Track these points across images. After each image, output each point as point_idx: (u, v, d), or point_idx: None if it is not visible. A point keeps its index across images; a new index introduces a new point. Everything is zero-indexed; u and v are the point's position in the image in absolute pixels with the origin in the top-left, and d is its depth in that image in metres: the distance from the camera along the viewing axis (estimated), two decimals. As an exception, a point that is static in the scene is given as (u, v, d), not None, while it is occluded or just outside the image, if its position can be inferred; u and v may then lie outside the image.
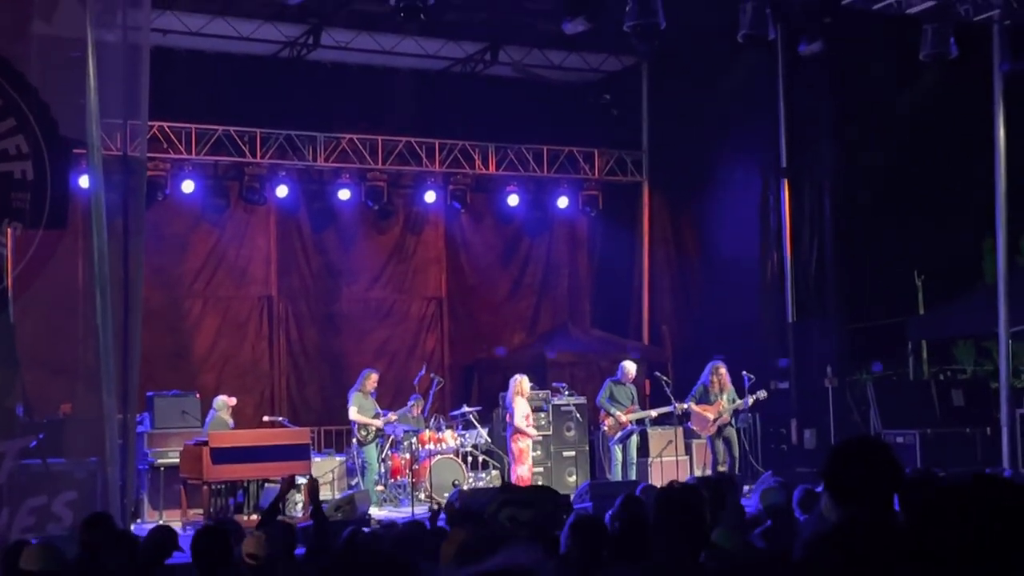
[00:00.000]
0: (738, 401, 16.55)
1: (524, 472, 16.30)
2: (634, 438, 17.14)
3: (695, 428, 17.07)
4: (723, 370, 16.66)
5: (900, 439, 16.94)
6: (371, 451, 16.66)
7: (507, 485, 3.81)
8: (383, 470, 16.86)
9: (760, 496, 9.11)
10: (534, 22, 18.90)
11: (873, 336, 19.32)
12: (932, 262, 19.39)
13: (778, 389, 18.25)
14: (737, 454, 16.73)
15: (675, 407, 17.07)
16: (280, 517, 9.72)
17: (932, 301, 19.64)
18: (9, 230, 10.90)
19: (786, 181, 19.42)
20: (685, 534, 4.41)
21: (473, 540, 4.32)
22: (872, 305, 19.16)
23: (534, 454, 17.07)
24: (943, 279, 19.38)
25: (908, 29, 16.03)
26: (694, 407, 16.70)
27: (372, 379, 16.88)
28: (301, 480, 14.03)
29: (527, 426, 16.55)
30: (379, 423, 16.63)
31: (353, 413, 16.73)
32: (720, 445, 16.61)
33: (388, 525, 9.55)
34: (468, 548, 4.25)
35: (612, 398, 17.13)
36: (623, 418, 17.02)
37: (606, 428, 17.28)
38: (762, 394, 16.81)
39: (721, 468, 16.51)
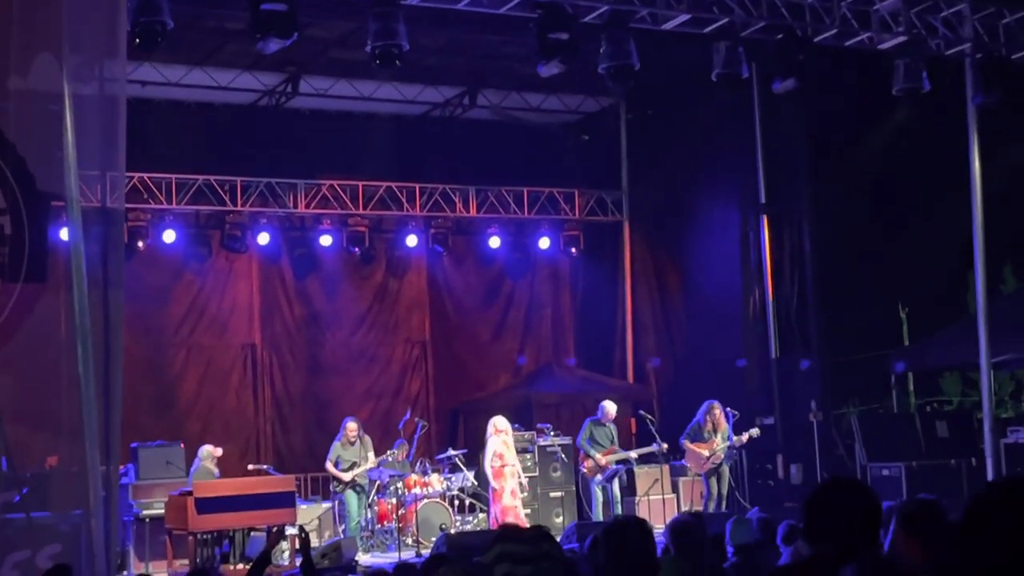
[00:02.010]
0: (736, 438, 16.65)
1: (499, 512, 16.21)
2: (618, 477, 17.15)
3: (689, 466, 17.13)
4: (718, 410, 16.77)
5: (885, 472, 16.98)
6: (351, 498, 16.60)
7: (506, 532, 3.75)
8: (369, 515, 16.80)
9: (729, 532, 9.10)
10: (511, 65, 19.01)
11: (857, 369, 19.35)
12: (916, 294, 19.46)
13: (763, 425, 18.28)
14: (726, 491, 16.78)
15: (658, 447, 17.12)
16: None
17: (917, 333, 19.69)
18: (-12, 284, 10.89)
19: (765, 217, 19.51)
20: (632, 564, 4.38)
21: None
22: (856, 338, 19.20)
23: (523, 495, 16.99)
24: (927, 311, 19.44)
25: (880, 64, 16.16)
26: (689, 445, 16.78)
27: (351, 428, 16.80)
28: (291, 530, 14.00)
29: (493, 464, 16.38)
30: (346, 477, 16.54)
31: (327, 464, 16.76)
32: (714, 483, 16.69)
33: (376, 573, 9.53)
34: None
35: (592, 439, 17.15)
36: (602, 460, 17.03)
37: (585, 470, 17.29)
38: (755, 432, 16.93)
39: (711, 505, 16.59)
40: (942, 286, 19.33)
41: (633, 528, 4.82)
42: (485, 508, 17.56)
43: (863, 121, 18.40)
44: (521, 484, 16.68)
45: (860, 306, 19.11)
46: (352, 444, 16.69)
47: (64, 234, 12.84)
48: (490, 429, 16.56)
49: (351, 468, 16.55)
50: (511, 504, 16.20)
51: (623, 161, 22.03)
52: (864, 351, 19.11)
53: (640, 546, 4.70)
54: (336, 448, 16.71)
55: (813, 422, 18.29)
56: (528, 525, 9.10)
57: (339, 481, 16.65)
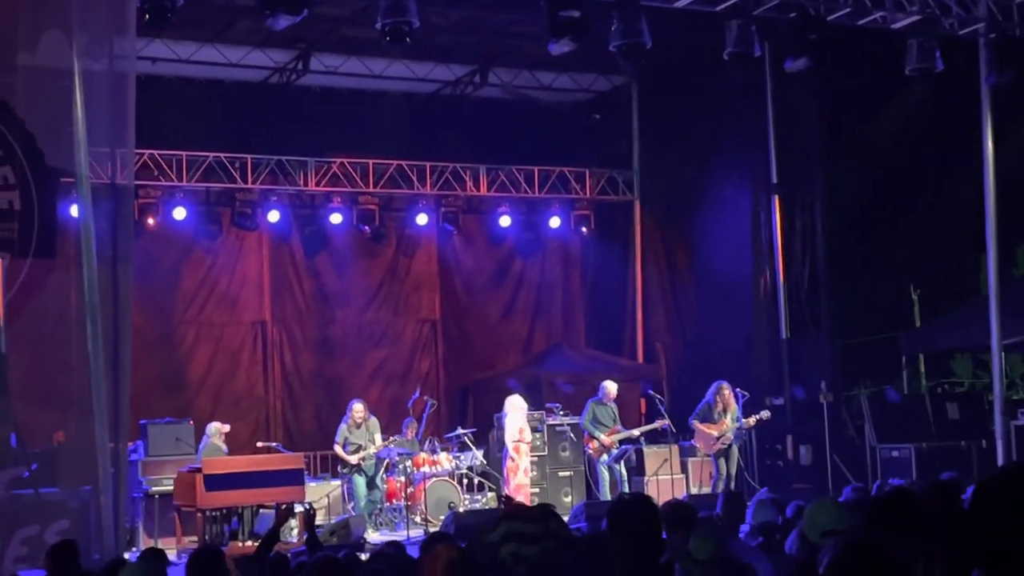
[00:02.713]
0: (745, 420, 16.62)
1: (512, 490, 16.25)
2: (626, 457, 17.18)
3: (698, 446, 17.12)
4: (728, 391, 16.72)
5: (895, 453, 16.95)
6: (358, 480, 16.55)
7: (512, 511, 3.70)
8: (377, 495, 16.78)
9: (752, 512, 9.09)
10: (522, 43, 18.95)
11: (868, 350, 19.30)
12: (928, 275, 19.38)
13: (773, 405, 18.25)
14: (735, 472, 16.77)
15: (659, 423, 17.18)
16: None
17: (928, 314, 19.63)
18: (-2, 260, 10.92)
19: (777, 197, 19.45)
20: (637, 542, 4.35)
21: (462, 560, 4.29)
22: (867, 319, 19.15)
23: (532, 474, 17.02)
24: (939, 292, 19.36)
25: (893, 44, 16.07)
26: (698, 425, 16.77)
27: (357, 410, 16.70)
28: (299, 508, 14.02)
29: (515, 436, 16.45)
30: (353, 460, 16.50)
31: (335, 447, 16.72)
32: (723, 463, 16.68)
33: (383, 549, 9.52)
34: (455, 568, 4.23)
35: (595, 419, 17.17)
36: (606, 440, 17.04)
37: (591, 450, 17.29)
38: (765, 414, 16.90)
39: (720, 485, 16.58)
40: (954, 267, 19.26)
41: (637, 505, 4.80)
42: (494, 487, 17.58)
43: (876, 101, 18.30)
44: (533, 463, 16.73)
45: (871, 287, 19.06)
46: (359, 427, 16.63)
47: (74, 211, 12.89)
48: (507, 406, 16.60)
49: (358, 450, 16.50)
50: (524, 482, 16.27)
51: (634, 140, 21.95)
52: (875, 332, 19.06)
53: (645, 523, 4.68)
54: (343, 430, 16.68)
55: (823, 403, 18.25)
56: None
57: (345, 463, 16.63)
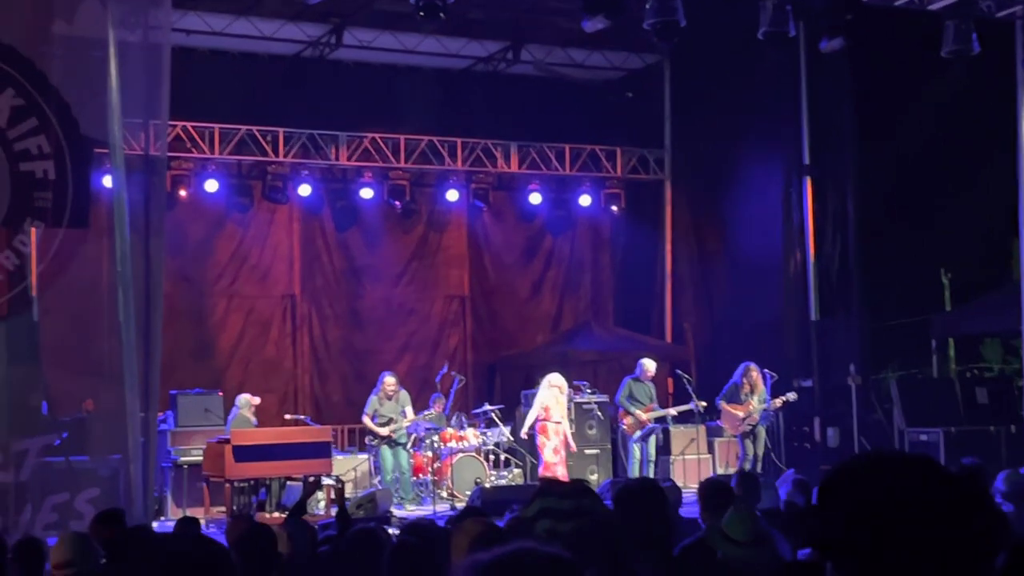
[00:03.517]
0: (774, 401, 16.59)
1: (540, 468, 16.23)
2: (654, 436, 17.15)
3: (725, 426, 17.09)
4: (755, 372, 16.67)
5: (924, 437, 16.89)
6: (385, 453, 16.54)
7: (548, 487, 3.70)
8: (404, 469, 16.78)
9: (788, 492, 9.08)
10: (556, 20, 18.90)
11: (897, 334, 19.23)
12: (960, 259, 19.28)
13: (801, 387, 18.21)
14: (761, 453, 16.74)
15: (695, 405, 17.11)
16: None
17: (959, 298, 19.53)
18: (32, 229, 10.98)
19: (809, 179, 19.36)
20: (645, 527, 4.34)
21: (489, 534, 4.31)
22: (897, 302, 19.07)
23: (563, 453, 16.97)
24: (971, 276, 19.26)
25: (930, 25, 15.96)
26: (725, 406, 16.74)
27: (388, 382, 16.66)
28: (327, 480, 14.09)
29: (538, 415, 16.37)
30: (383, 432, 16.51)
31: (364, 418, 16.71)
32: (749, 444, 16.66)
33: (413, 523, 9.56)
34: (484, 542, 4.24)
35: (631, 396, 17.12)
36: (642, 416, 17.00)
37: (625, 426, 17.23)
38: (791, 396, 16.86)
39: (746, 466, 16.56)
40: (986, 252, 19.16)
41: (643, 492, 4.79)
42: (520, 464, 17.62)
43: (911, 83, 18.17)
44: (567, 442, 16.63)
45: (902, 270, 18.97)
46: (389, 399, 16.62)
47: (107, 181, 12.95)
48: (544, 382, 16.54)
49: (388, 423, 16.50)
50: (552, 461, 16.19)
51: (666, 119, 21.87)
52: (905, 315, 18.98)
53: (652, 509, 4.67)
54: (373, 402, 16.68)
55: (852, 385, 18.19)
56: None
57: (375, 435, 16.64)
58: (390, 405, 16.59)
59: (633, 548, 4.30)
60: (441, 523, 7.54)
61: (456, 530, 4.42)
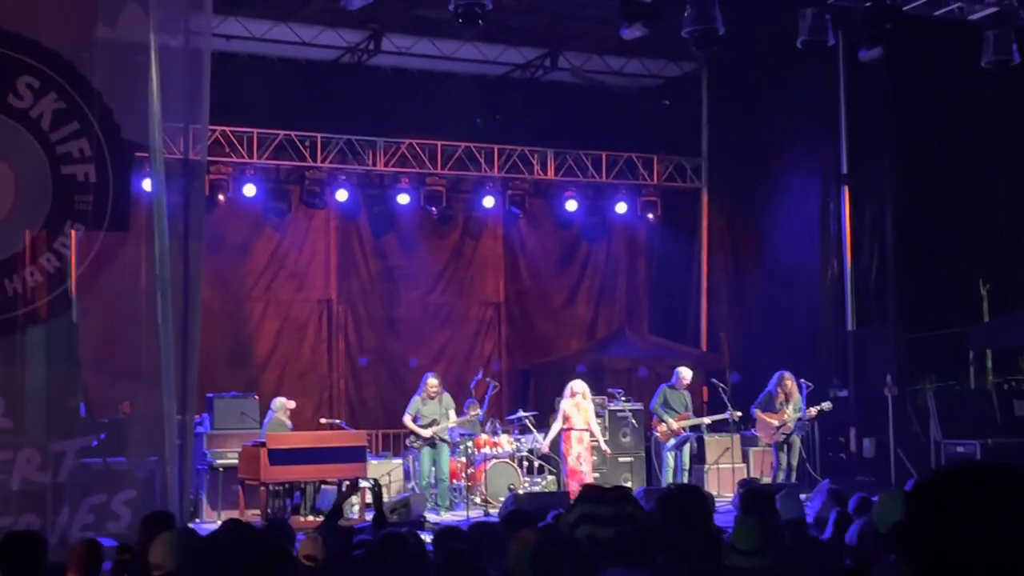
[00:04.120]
0: (809, 411, 16.53)
1: (566, 475, 16.19)
2: (688, 445, 17.12)
3: (759, 435, 17.06)
4: (790, 381, 16.63)
5: (960, 449, 16.78)
6: (425, 455, 16.53)
7: (589, 493, 3.71)
8: (439, 473, 16.78)
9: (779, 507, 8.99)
10: (594, 28, 18.91)
11: (935, 344, 19.12)
12: (998, 271, 19.16)
13: (837, 397, 18.14)
14: (796, 463, 16.68)
15: (730, 414, 17.08)
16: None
17: (997, 310, 19.40)
18: (72, 232, 11.06)
19: (847, 188, 19.30)
20: (686, 536, 4.32)
21: (546, 544, 4.31)
22: (934, 313, 18.96)
23: (593, 459, 16.95)
24: (1009, 288, 19.13)
25: (969, 35, 15.87)
26: (760, 414, 16.72)
27: (431, 384, 16.59)
28: (364, 483, 14.12)
29: (561, 425, 16.33)
30: (425, 433, 16.50)
31: (405, 419, 16.68)
32: (783, 454, 16.61)
33: (446, 529, 9.58)
34: (541, 552, 4.26)
35: (666, 404, 17.10)
36: (675, 425, 16.98)
37: (658, 434, 17.23)
38: (827, 405, 16.79)
39: (779, 476, 16.52)
40: (1026, 264, 19.02)
41: (688, 496, 4.78)
42: (554, 470, 17.61)
43: (950, 93, 18.08)
44: (595, 448, 16.60)
45: (940, 281, 18.86)
46: (432, 399, 16.57)
47: (147, 185, 13.03)
48: (566, 391, 16.53)
49: (430, 425, 16.46)
50: (577, 468, 16.16)
51: (704, 127, 21.85)
52: (942, 326, 18.87)
53: (695, 515, 4.66)
54: (416, 403, 16.63)
55: (888, 396, 18.11)
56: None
57: (416, 436, 16.58)
58: (433, 406, 16.53)
59: (673, 554, 4.29)
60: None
61: (514, 540, 4.44)
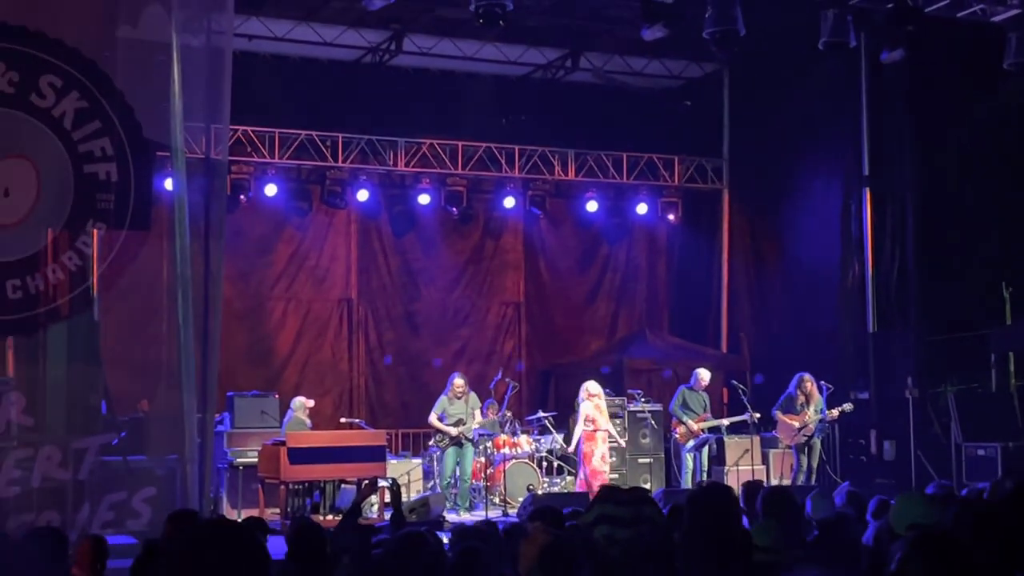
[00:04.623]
0: (830, 412, 16.50)
1: (587, 475, 16.19)
2: (707, 446, 17.11)
3: (780, 437, 17.05)
4: (810, 383, 16.62)
5: (981, 452, 16.70)
6: (449, 455, 16.55)
7: (606, 494, 3.70)
8: (459, 473, 16.81)
9: (811, 507, 8.98)
10: (614, 28, 18.90)
11: (956, 347, 19.03)
12: (1020, 273, 19.04)
13: (858, 399, 18.07)
14: (816, 465, 16.65)
15: (750, 416, 17.05)
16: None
17: (1020, 312, 19.29)
18: (94, 231, 11.11)
19: (868, 190, 19.23)
20: (714, 535, 4.32)
21: (557, 544, 4.31)
22: (956, 315, 18.87)
23: (611, 459, 16.97)
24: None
25: (992, 37, 15.81)
26: (780, 416, 16.70)
27: (457, 384, 16.61)
28: (383, 483, 14.13)
29: (585, 427, 16.32)
30: (453, 431, 16.51)
31: (431, 418, 16.69)
32: (804, 456, 16.58)
33: (463, 528, 9.60)
34: (553, 552, 4.26)
35: (685, 405, 17.09)
36: (694, 426, 16.97)
37: (677, 436, 17.22)
38: (848, 407, 16.77)
39: (800, 478, 16.49)
40: (1048, 265, 18.90)
41: (718, 495, 4.78)
42: (573, 471, 17.60)
43: (972, 95, 18.00)
44: (612, 450, 16.67)
45: (962, 283, 18.76)
46: (458, 399, 16.60)
47: (168, 184, 13.10)
48: (582, 393, 16.50)
49: (457, 424, 16.49)
50: (600, 468, 16.18)
51: (725, 128, 21.81)
52: (964, 328, 18.77)
53: (725, 515, 4.65)
54: (442, 402, 16.65)
55: (909, 398, 18.04)
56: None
57: (443, 435, 16.59)
58: (459, 405, 16.55)
59: (698, 554, 4.28)
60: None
61: (525, 539, 4.44)
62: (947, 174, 18.56)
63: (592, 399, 16.38)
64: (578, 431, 16.43)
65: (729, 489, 5.03)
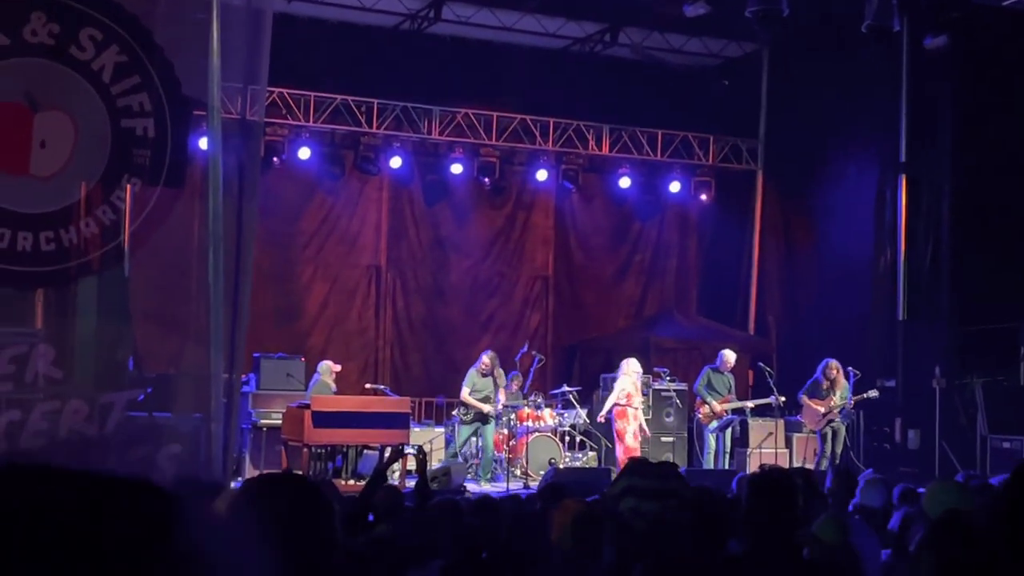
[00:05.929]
0: (855, 398, 16.45)
1: (622, 453, 16.20)
2: (731, 428, 17.07)
3: (805, 421, 17.00)
4: (836, 369, 16.54)
5: (1006, 444, 16.63)
6: (464, 431, 16.55)
7: (634, 466, 3.67)
8: (478, 444, 16.76)
9: (861, 492, 8.93)
10: (655, 4, 18.78)
11: (986, 338, 18.92)
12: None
13: (884, 387, 17.99)
14: (840, 451, 16.59)
15: (775, 399, 16.99)
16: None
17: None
18: (128, 186, 11.10)
19: (904, 177, 19.10)
20: (777, 518, 4.28)
21: (588, 514, 4.31)
22: (987, 307, 18.75)
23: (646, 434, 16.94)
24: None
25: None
26: (806, 400, 16.65)
27: (485, 360, 16.52)
28: (408, 450, 14.14)
29: (619, 400, 16.32)
30: (486, 408, 16.50)
31: (463, 393, 16.63)
32: (828, 441, 16.53)
33: (484, 498, 9.59)
34: (583, 522, 4.25)
35: (709, 386, 17.05)
36: (718, 407, 16.94)
37: (700, 416, 17.19)
38: (873, 393, 16.69)
39: (823, 463, 16.43)
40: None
41: (780, 481, 4.74)
42: (595, 447, 17.59)
43: (1013, 83, 17.83)
44: (641, 427, 16.65)
45: (994, 275, 18.63)
46: (485, 375, 16.58)
47: (203, 143, 13.08)
48: (624, 367, 16.50)
49: (485, 400, 16.43)
50: (633, 445, 16.21)
51: (762, 109, 21.68)
52: (995, 320, 18.66)
53: (785, 500, 4.62)
54: (472, 376, 16.55)
55: (936, 388, 17.95)
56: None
57: (468, 409, 16.51)
58: (487, 381, 16.51)
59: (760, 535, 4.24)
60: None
61: (557, 510, 4.44)
62: (985, 164, 18.41)
63: (632, 375, 16.41)
64: (611, 400, 16.40)
65: (789, 474, 4.99)
